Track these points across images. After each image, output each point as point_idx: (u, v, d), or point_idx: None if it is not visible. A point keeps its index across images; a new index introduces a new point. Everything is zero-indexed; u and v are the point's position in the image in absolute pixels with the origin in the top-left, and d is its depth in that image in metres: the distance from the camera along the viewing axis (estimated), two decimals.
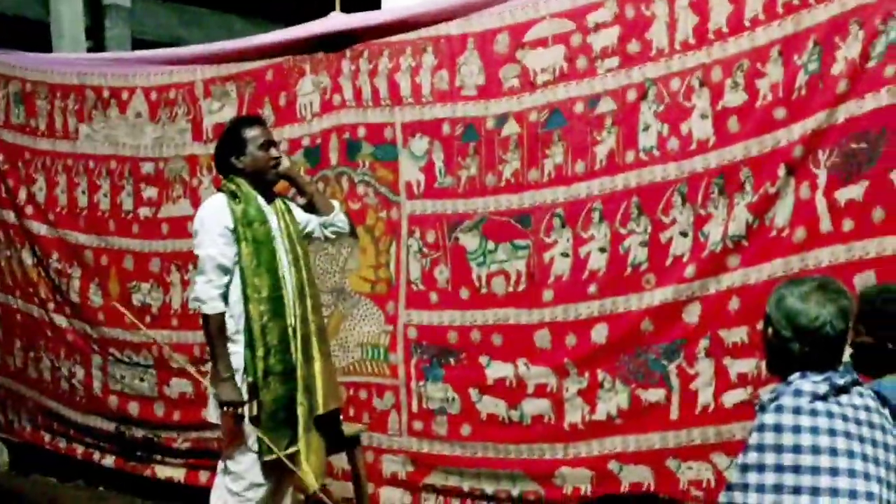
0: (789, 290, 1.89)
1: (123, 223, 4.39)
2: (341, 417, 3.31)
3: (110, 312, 4.42)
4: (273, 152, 3.06)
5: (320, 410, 2.98)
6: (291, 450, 2.93)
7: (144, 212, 4.34)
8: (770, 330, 1.90)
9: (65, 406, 4.65)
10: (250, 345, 2.90)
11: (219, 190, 3.08)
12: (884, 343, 2.19)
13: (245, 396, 2.90)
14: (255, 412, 2.89)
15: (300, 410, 2.95)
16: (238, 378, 2.91)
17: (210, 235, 2.92)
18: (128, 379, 4.42)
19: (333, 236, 3.31)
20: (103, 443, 4.57)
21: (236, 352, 2.93)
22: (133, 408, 4.40)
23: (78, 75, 4.46)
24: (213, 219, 2.94)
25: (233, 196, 2.96)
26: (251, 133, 3.03)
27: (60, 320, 4.62)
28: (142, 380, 4.38)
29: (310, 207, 3.22)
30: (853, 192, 2.77)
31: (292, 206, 3.19)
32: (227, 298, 2.92)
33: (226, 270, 2.91)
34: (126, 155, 4.37)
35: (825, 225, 2.83)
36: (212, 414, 3.05)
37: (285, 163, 3.17)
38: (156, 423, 4.35)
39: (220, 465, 3.04)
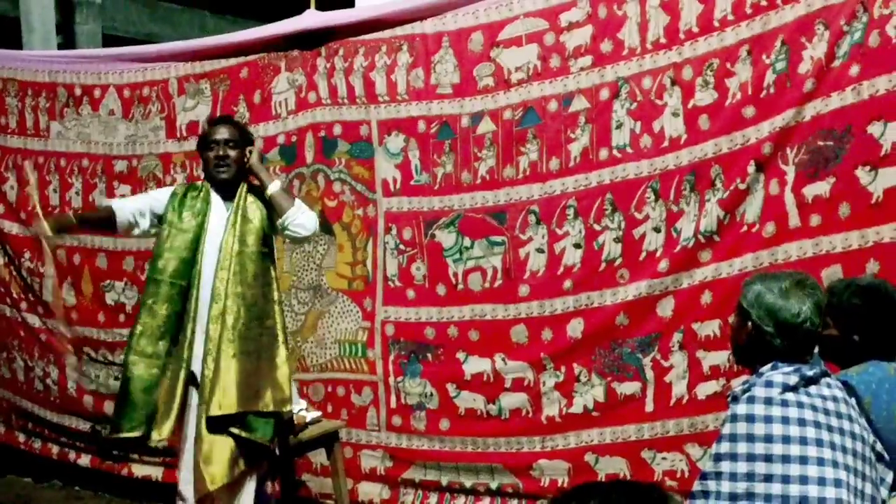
0: (767, 285, 1.93)
1: None
2: (268, 422, 3.00)
3: (84, 311, 4.40)
4: (217, 151, 3.07)
5: (212, 412, 2.86)
6: (136, 433, 2.92)
7: None
8: (749, 324, 1.94)
9: (39, 406, 4.61)
10: (135, 320, 3.00)
11: None
12: (850, 335, 2.24)
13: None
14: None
15: (199, 410, 2.90)
16: None
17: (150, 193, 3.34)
18: (102, 378, 4.39)
19: (287, 240, 3.30)
20: (79, 442, 4.54)
21: None
22: (108, 407, 4.35)
23: (49, 73, 4.41)
24: (157, 190, 3.35)
25: (191, 187, 3.13)
26: (202, 137, 3.18)
27: (33, 320, 4.57)
28: (117, 378, 4.33)
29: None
30: (820, 188, 2.84)
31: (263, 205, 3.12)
32: (136, 224, 3.11)
33: (146, 203, 3.12)
34: (99, 153, 4.34)
35: (793, 220, 2.90)
36: None
37: (253, 157, 3.12)
38: None
39: None
